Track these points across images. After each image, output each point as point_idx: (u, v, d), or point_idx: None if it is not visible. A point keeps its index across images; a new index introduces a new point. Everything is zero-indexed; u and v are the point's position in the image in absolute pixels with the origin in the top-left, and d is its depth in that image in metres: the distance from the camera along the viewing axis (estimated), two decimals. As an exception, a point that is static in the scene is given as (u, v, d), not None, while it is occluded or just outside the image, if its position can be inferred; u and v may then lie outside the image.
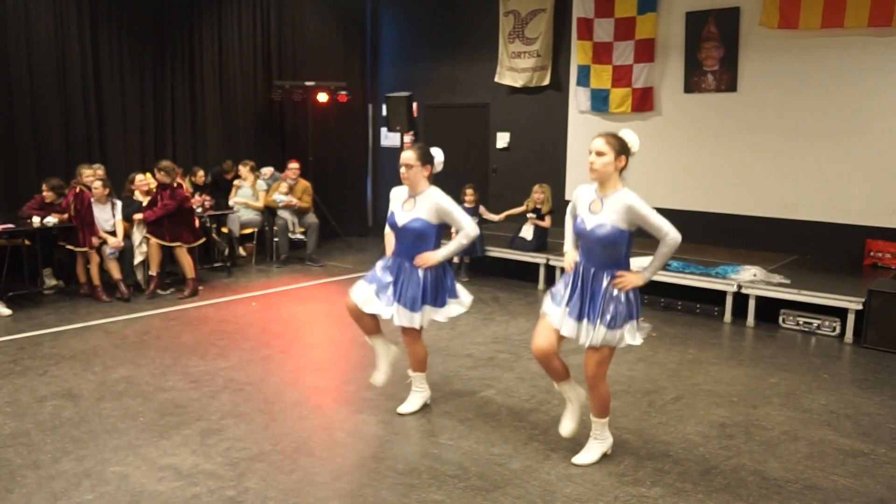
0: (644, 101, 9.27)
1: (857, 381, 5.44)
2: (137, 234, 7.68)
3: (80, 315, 6.88)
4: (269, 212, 9.62)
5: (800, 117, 8.19)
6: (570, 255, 3.94)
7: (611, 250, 3.64)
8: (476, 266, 8.97)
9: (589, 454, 3.94)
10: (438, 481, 3.72)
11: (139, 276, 7.79)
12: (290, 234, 9.54)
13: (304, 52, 11.50)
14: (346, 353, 5.96)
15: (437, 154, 4.41)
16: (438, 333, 6.37)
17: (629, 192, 3.61)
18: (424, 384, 4.65)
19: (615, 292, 3.64)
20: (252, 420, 4.47)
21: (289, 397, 4.88)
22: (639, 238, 3.72)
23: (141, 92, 9.62)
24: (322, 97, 10.85)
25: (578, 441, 4.18)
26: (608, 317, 3.62)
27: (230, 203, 9.45)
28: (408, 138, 10.72)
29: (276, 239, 9.56)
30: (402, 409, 4.59)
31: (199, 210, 8.41)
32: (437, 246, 4.33)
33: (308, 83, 10.78)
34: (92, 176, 7.68)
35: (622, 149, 3.64)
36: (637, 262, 3.79)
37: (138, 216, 7.55)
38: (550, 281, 8.40)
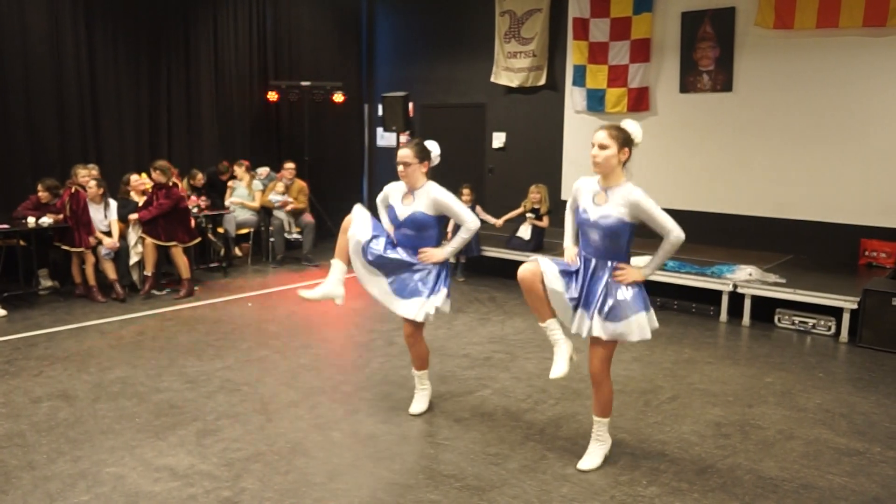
0: (640, 101, 9.29)
1: (853, 381, 5.45)
2: (133, 235, 7.66)
3: (76, 316, 6.87)
4: (265, 212, 9.61)
5: (795, 117, 8.21)
6: (571, 251, 3.90)
7: (613, 241, 3.62)
8: (472, 266, 8.97)
9: (592, 458, 3.91)
10: (435, 481, 3.72)
11: (135, 276, 7.77)
12: (286, 235, 9.53)
13: (300, 52, 11.50)
14: (342, 353, 5.95)
15: (434, 148, 4.40)
16: (435, 333, 6.37)
17: (634, 187, 3.59)
18: (427, 381, 4.65)
19: (615, 285, 3.63)
20: (248, 420, 4.47)
21: (285, 398, 4.87)
22: (638, 238, 3.72)
23: (136, 92, 9.60)
24: (318, 97, 10.84)
25: (575, 440, 4.19)
26: (608, 309, 3.60)
27: (226, 203, 9.44)
28: (404, 138, 10.71)
29: (272, 239, 9.56)
30: (414, 409, 4.58)
31: (196, 210, 8.40)
32: (438, 237, 4.31)
33: (304, 83, 10.77)
34: (87, 176, 7.66)
35: (625, 141, 3.60)
36: (635, 262, 3.79)
37: (133, 216, 7.53)
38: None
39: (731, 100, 8.65)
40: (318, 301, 4.48)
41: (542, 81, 10.26)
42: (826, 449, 4.21)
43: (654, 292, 7.35)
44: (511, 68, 10.50)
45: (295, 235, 9.62)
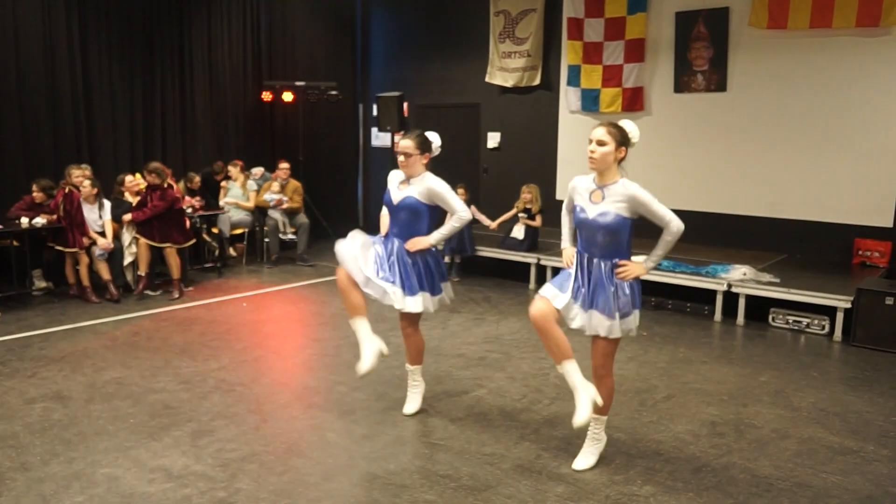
0: (634, 101, 9.30)
1: (846, 379, 5.47)
2: (127, 235, 7.64)
3: (70, 316, 6.84)
4: (260, 212, 9.60)
5: (789, 117, 8.24)
6: (569, 251, 3.86)
7: (613, 238, 3.61)
8: (467, 266, 8.97)
9: (588, 457, 3.90)
10: (430, 481, 3.72)
11: (129, 276, 7.75)
12: (280, 235, 9.52)
13: (295, 52, 11.49)
14: (337, 353, 5.95)
15: (435, 139, 4.40)
16: (430, 333, 6.37)
17: (630, 182, 3.60)
18: (420, 378, 4.64)
19: (619, 282, 3.63)
20: (243, 421, 4.46)
21: (280, 398, 4.87)
22: (636, 238, 3.72)
23: (130, 92, 9.57)
24: (313, 97, 10.83)
25: (570, 440, 4.19)
26: (618, 307, 3.60)
27: (221, 203, 9.42)
28: (399, 139, 10.70)
29: (266, 239, 9.54)
30: (407, 409, 4.58)
31: (190, 211, 8.39)
32: (433, 228, 4.31)
33: (299, 83, 10.76)
34: (81, 176, 7.64)
35: (623, 139, 3.61)
36: (635, 260, 3.78)
37: (127, 217, 7.50)
38: (541, 280, 8.41)
39: (725, 99, 8.67)
40: (374, 365, 4.11)
41: (537, 81, 10.27)
42: (820, 448, 4.22)
43: (648, 292, 7.41)
44: (506, 68, 10.51)
45: (290, 236, 9.60)
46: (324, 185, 11.62)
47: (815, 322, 6.64)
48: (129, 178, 8.16)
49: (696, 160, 8.95)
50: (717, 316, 7.09)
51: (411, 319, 4.38)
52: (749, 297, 6.89)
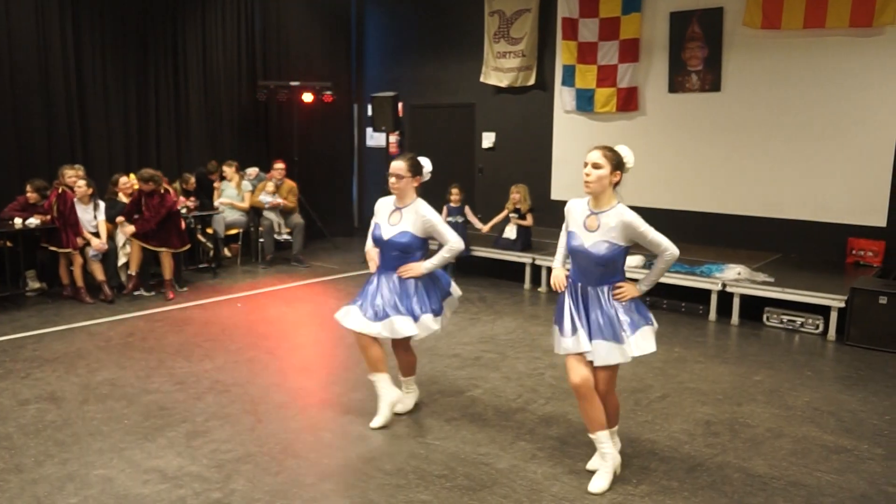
0: (629, 101, 9.31)
1: (840, 378, 5.49)
2: (121, 236, 7.62)
3: (64, 317, 6.82)
4: (255, 212, 9.58)
5: (783, 117, 8.26)
6: (559, 273, 3.80)
7: (608, 267, 3.58)
8: (462, 266, 8.97)
9: (604, 479, 3.69)
10: (425, 481, 3.72)
11: (123, 277, 7.73)
12: (275, 235, 9.50)
13: (289, 52, 11.46)
14: (332, 353, 5.94)
15: (426, 164, 4.39)
16: (425, 333, 6.36)
17: (625, 208, 3.56)
18: (414, 385, 4.69)
19: (616, 305, 3.59)
20: (238, 422, 4.45)
21: (275, 398, 4.86)
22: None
23: (124, 92, 9.54)
24: (307, 97, 10.81)
25: (565, 439, 4.20)
26: (618, 332, 3.56)
27: (216, 204, 9.40)
28: (393, 138, 10.70)
29: (261, 240, 9.52)
30: (399, 409, 4.58)
31: (184, 211, 8.37)
32: (423, 257, 4.30)
33: (293, 83, 10.74)
34: (74, 176, 7.62)
35: (618, 164, 3.57)
36: (628, 260, 3.78)
37: (130, 229, 7.42)
38: (536, 280, 8.42)
39: (719, 99, 8.69)
40: (389, 418, 4.40)
41: (532, 81, 10.28)
42: (814, 446, 4.23)
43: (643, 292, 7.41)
44: (500, 68, 10.51)
45: (284, 236, 9.59)
46: (318, 186, 11.61)
47: (810, 321, 6.66)
48: (123, 178, 8.14)
49: (691, 160, 8.97)
50: (712, 315, 7.10)
51: (402, 339, 4.38)
52: (743, 297, 6.91)
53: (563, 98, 9.93)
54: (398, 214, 4.28)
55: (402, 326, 4.16)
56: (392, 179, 4.24)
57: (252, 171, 9.96)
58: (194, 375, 5.26)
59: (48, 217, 7.28)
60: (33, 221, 7.14)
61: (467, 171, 10.99)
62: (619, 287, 3.61)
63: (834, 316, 6.45)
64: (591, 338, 3.58)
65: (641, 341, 3.60)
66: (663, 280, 7.22)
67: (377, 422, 4.35)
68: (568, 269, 3.79)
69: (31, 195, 7.40)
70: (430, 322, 4.21)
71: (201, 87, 10.40)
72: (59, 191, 7.34)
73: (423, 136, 11.43)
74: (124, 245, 7.62)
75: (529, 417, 4.59)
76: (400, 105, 10.32)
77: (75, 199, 7.41)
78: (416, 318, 4.18)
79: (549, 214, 8.65)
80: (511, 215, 8.57)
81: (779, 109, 8.28)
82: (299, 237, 9.54)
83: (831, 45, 7.88)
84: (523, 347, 6.09)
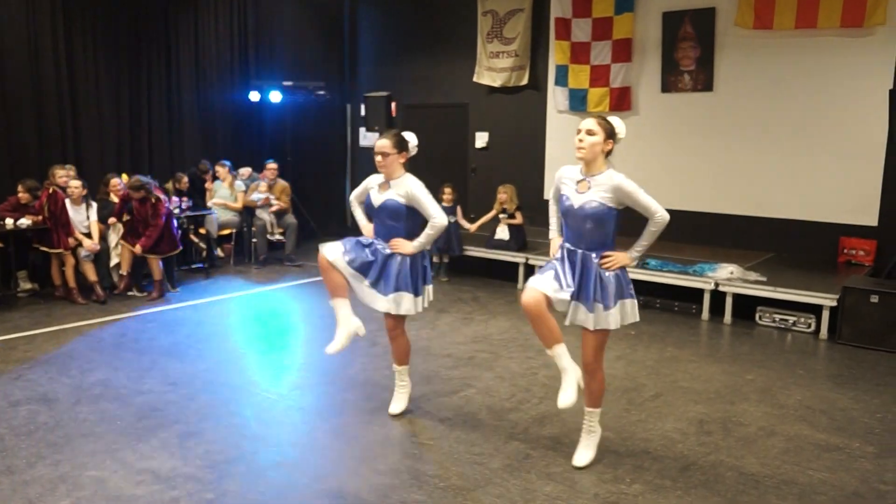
0: (622, 101, 9.33)
1: (832, 377, 5.51)
2: (113, 237, 7.60)
3: (56, 318, 6.79)
4: (248, 212, 9.56)
5: (775, 116, 8.29)
6: (556, 242, 3.89)
7: (599, 228, 3.63)
8: (456, 266, 8.98)
9: (587, 451, 3.94)
10: (419, 481, 3.72)
11: (115, 278, 7.70)
12: (268, 235, 9.48)
13: (282, 52, 11.44)
14: (325, 354, 5.92)
15: (411, 138, 4.40)
16: (419, 333, 6.36)
17: (616, 172, 3.63)
18: (407, 378, 4.63)
19: (605, 273, 3.63)
20: (231, 422, 4.44)
21: (268, 399, 4.85)
22: (619, 234, 3.74)
23: (116, 92, 9.50)
24: (300, 97, 10.79)
25: (559, 439, 4.20)
26: (603, 297, 3.61)
27: (209, 204, 9.38)
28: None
29: (254, 240, 9.50)
30: (393, 409, 4.57)
31: (177, 211, 8.34)
32: (415, 228, 4.27)
33: (286, 83, 10.72)
34: (65, 177, 7.58)
35: (611, 132, 3.65)
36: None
37: (137, 249, 7.39)
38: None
39: (711, 99, 8.71)
40: (345, 346, 4.17)
41: (525, 81, 10.28)
42: (806, 445, 4.25)
43: (637, 291, 7.40)
44: (493, 68, 10.51)
45: (277, 236, 9.58)
46: (311, 186, 11.59)
47: (802, 320, 6.68)
48: (114, 179, 8.10)
49: (684, 160, 8.98)
50: (705, 314, 7.12)
51: (397, 320, 4.37)
52: (736, 296, 6.93)
53: (557, 98, 9.94)
54: (387, 185, 4.29)
55: (373, 299, 4.14)
56: (378, 158, 4.24)
57: (245, 171, 9.94)
58: (187, 376, 5.25)
59: (39, 217, 7.24)
60: (25, 222, 7.11)
61: (461, 171, 10.99)
62: (609, 255, 3.65)
63: (826, 315, 6.48)
64: (573, 298, 3.64)
65: (623, 312, 3.65)
66: (656, 279, 7.31)
67: (332, 347, 4.14)
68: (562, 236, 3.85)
69: (23, 195, 7.36)
70: (405, 300, 4.18)
71: (194, 87, 10.38)
72: (50, 191, 7.31)
73: (417, 135, 11.37)
74: (116, 245, 7.59)
75: (523, 417, 4.59)
76: (393, 105, 10.30)
77: (67, 200, 7.37)
78: (386, 292, 4.16)
79: (543, 214, 8.59)
80: (501, 216, 8.58)
81: (771, 109, 8.31)
82: (292, 237, 9.52)
83: (823, 46, 7.91)
84: (517, 347, 6.09)
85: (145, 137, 9.91)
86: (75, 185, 7.45)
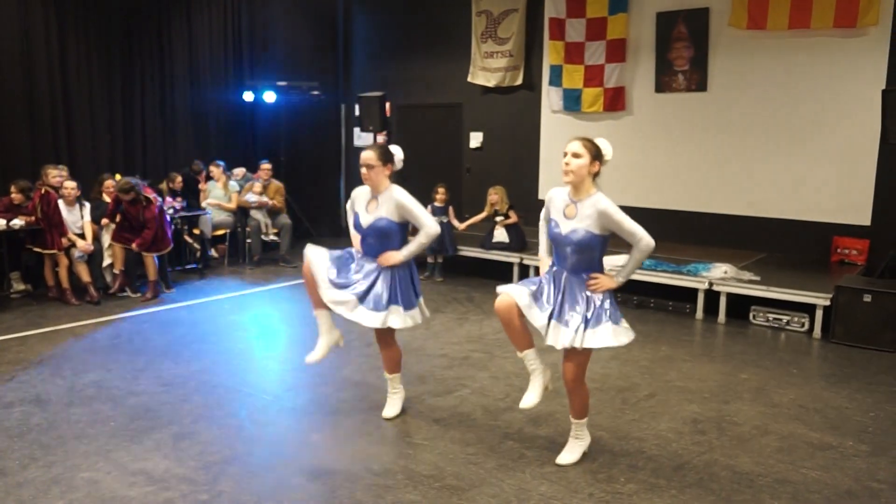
0: (616, 101, 9.35)
1: (826, 376, 5.53)
2: (106, 237, 7.57)
3: (49, 319, 6.76)
4: (242, 213, 9.54)
5: (768, 116, 8.32)
6: (545, 263, 3.90)
7: (585, 255, 3.64)
8: (450, 266, 8.98)
9: (571, 454, 3.96)
10: (414, 482, 3.72)
11: (108, 278, 7.68)
12: (262, 236, 9.47)
13: (276, 52, 11.42)
14: (305, 362, 5.91)
15: (397, 152, 4.39)
16: (413, 333, 6.35)
17: (603, 197, 3.61)
18: (400, 385, 4.63)
19: (590, 295, 3.65)
20: (225, 423, 4.43)
21: (262, 399, 4.84)
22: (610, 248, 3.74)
23: (109, 92, 9.48)
24: (294, 97, 10.78)
25: (553, 438, 4.20)
26: (584, 319, 3.60)
27: (203, 205, 9.36)
28: (381, 138, 10.68)
29: (248, 240, 9.49)
30: (387, 413, 4.55)
31: (171, 212, 8.32)
32: (402, 244, 4.29)
33: (280, 83, 10.70)
34: (59, 177, 7.56)
35: (597, 154, 3.64)
36: (609, 261, 3.81)
37: (134, 247, 7.41)
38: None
39: (705, 99, 8.74)
40: (325, 356, 4.40)
41: (519, 81, 10.29)
42: (800, 444, 4.26)
43: (631, 291, 7.46)
44: (488, 68, 10.52)
45: (272, 237, 9.56)
46: (306, 186, 11.58)
47: (795, 319, 6.70)
48: (109, 179, 8.08)
49: (677, 159, 9.01)
50: (699, 314, 7.14)
51: (388, 330, 4.35)
52: (730, 296, 6.95)
53: (551, 98, 9.95)
54: (375, 202, 4.27)
55: (362, 316, 4.13)
56: (363, 170, 4.23)
57: (239, 171, 9.92)
58: (181, 377, 5.23)
59: (32, 218, 7.21)
60: (17, 223, 7.08)
61: (455, 171, 11.00)
62: (595, 278, 3.66)
63: (819, 314, 6.50)
64: (556, 317, 3.66)
65: (600, 335, 3.62)
66: (651, 279, 7.32)
67: (312, 357, 4.36)
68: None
69: (16, 196, 7.33)
70: (394, 316, 4.18)
71: (187, 87, 10.36)
72: (42, 191, 7.28)
73: (411, 136, 11.41)
74: (109, 246, 7.57)
75: (517, 417, 4.59)
76: (387, 105, 10.30)
77: (60, 200, 7.34)
78: (380, 309, 4.15)
79: (536, 213, 8.59)
80: (497, 219, 8.57)
81: (764, 109, 8.33)
82: (286, 237, 9.51)
83: (816, 46, 7.94)
84: (511, 347, 6.02)
85: (139, 137, 9.89)
86: (70, 185, 7.42)
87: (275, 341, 6.33)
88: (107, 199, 7.90)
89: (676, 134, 9.00)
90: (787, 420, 4.62)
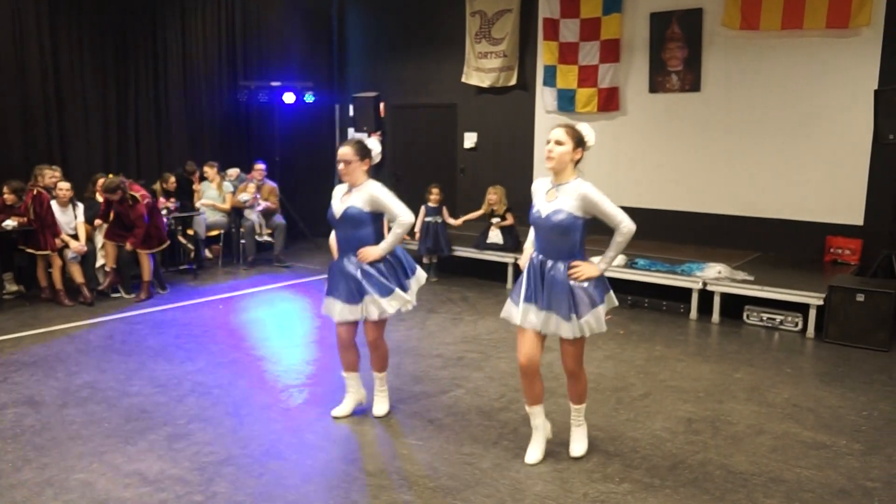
0: (610, 101, 9.36)
1: (819, 375, 5.55)
2: (100, 237, 7.54)
3: (42, 320, 6.74)
4: (236, 213, 9.52)
5: (761, 116, 8.34)
6: (527, 252, 3.95)
7: (565, 238, 3.66)
8: (445, 266, 8.98)
9: (581, 443, 4.04)
10: (408, 482, 3.72)
11: (102, 279, 7.65)
12: (256, 236, 9.45)
13: (270, 53, 11.41)
14: (314, 355, 5.92)
15: (374, 146, 4.41)
16: (408, 334, 6.36)
17: (583, 182, 3.66)
18: (386, 386, 4.66)
19: (574, 283, 3.66)
20: (220, 424, 4.42)
21: (257, 400, 4.83)
22: (589, 235, 3.75)
23: (103, 92, 9.44)
24: (288, 98, 10.77)
25: (549, 439, 4.20)
26: (574, 306, 3.64)
27: (197, 205, 9.34)
28: (375, 139, 10.67)
29: (242, 241, 9.47)
30: (377, 411, 4.57)
31: (165, 213, 8.30)
32: (377, 237, 4.29)
33: (274, 83, 10.69)
34: (53, 177, 7.52)
35: (580, 141, 3.69)
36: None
37: (128, 246, 7.38)
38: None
39: (698, 99, 8.76)
40: (350, 412, 4.60)
41: (513, 81, 10.30)
42: (794, 443, 4.28)
43: (625, 290, 7.47)
44: (482, 68, 10.52)
45: (266, 237, 9.55)
46: (300, 187, 11.56)
47: (789, 319, 6.73)
48: (103, 179, 8.05)
49: (671, 160, 9.02)
50: (693, 314, 7.16)
51: (378, 327, 4.36)
52: (724, 295, 6.97)
53: (545, 98, 9.96)
54: (349, 195, 4.29)
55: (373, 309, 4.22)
56: (340, 165, 4.25)
57: (233, 171, 9.90)
58: (175, 378, 5.22)
59: (25, 219, 7.18)
60: (10, 223, 7.05)
61: (449, 172, 11.00)
62: (576, 266, 3.67)
63: (813, 313, 6.52)
64: (544, 306, 3.69)
65: (593, 321, 3.67)
66: (644, 279, 7.33)
67: (338, 411, 4.56)
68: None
69: (8, 196, 7.29)
70: (386, 303, 4.22)
71: (182, 87, 10.33)
72: (35, 192, 7.25)
73: (405, 136, 11.41)
74: (103, 246, 7.54)
75: (512, 417, 4.60)
76: (381, 105, 10.29)
77: (53, 201, 7.31)
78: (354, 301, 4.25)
79: (526, 211, 8.67)
80: (493, 220, 8.58)
81: (757, 109, 8.36)
82: (280, 238, 9.49)
83: (809, 46, 7.97)
84: (506, 347, 6.10)
85: (132, 137, 9.85)
86: (65, 187, 7.39)
87: (269, 342, 6.32)
88: (100, 198, 7.87)
89: (670, 134, 9.02)
90: (781, 419, 4.64)
